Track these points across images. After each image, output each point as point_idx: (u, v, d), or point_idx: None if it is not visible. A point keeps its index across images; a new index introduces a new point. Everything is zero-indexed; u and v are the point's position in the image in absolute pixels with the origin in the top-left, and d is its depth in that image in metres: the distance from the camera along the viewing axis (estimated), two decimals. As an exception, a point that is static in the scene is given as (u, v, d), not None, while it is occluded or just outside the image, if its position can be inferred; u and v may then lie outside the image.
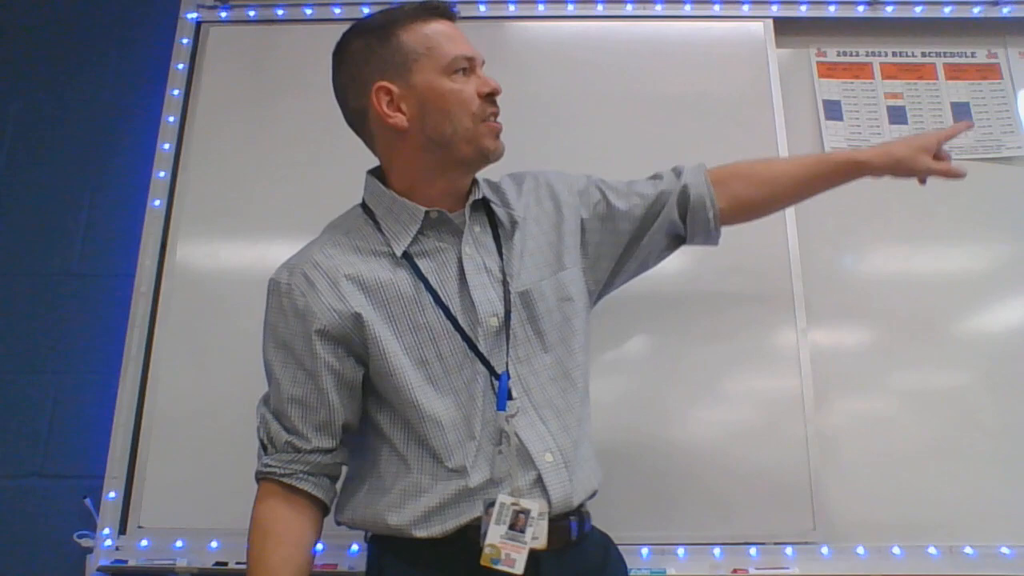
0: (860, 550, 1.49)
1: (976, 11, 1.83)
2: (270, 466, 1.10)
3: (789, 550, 1.47)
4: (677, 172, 1.26)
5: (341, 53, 1.15)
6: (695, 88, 1.76)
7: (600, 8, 1.82)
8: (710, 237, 1.26)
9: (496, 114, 1.13)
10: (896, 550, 1.49)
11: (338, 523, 1.14)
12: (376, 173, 1.19)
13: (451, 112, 1.09)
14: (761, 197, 1.27)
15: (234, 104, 1.75)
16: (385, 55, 1.10)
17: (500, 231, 1.17)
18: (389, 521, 1.06)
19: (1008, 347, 1.63)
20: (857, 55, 1.84)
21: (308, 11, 1.82)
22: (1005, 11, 1.83)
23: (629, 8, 1.82)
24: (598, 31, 1.81)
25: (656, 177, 1.27)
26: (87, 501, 1.53)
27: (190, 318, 1.61)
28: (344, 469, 1.16)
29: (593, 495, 1.15)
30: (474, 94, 1.10)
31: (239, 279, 1.64)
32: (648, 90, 1.76)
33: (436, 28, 1.11)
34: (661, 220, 1.23)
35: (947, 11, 1.83)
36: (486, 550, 1.01)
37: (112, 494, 1.52)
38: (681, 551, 1.47)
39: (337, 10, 1.82)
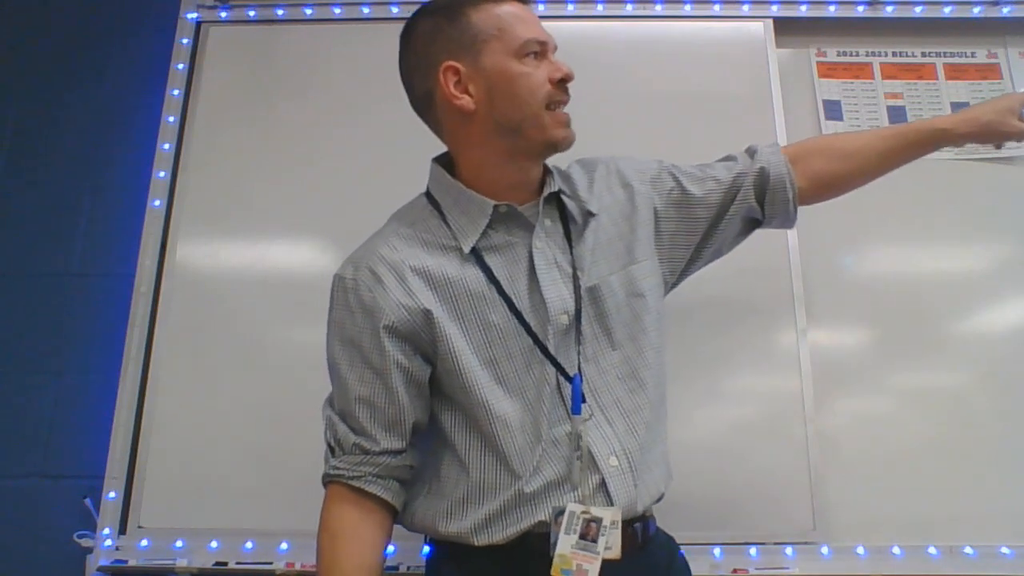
0: (860, 550, 1.49)
1: (976, 11, 1.83)
2: (338, 468, 1.05)
3: (789, 550, 1.47)
4: (751, 152, 1.21)
5: (408, 34, 1.11)
6: (695, 88, 1.76)
7: (600, 8, 1.82)
8: (788, 219, 1.21)
9: (565, 102, 1.09)
10: (896, 550, 1.49)
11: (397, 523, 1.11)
12: (442, 161, 1.15)
13: (520, 97, 1.05)
14: (844, 172, 1.22)
15: (234, 104, 1.75)
16: (454, 35, 1.06)
17: (572, 225, 1.12)
18: (449, 528, 1.03)
19: (1008, 347, 1.63)
20: (857, 55, 1.84)
21: (308, 11, 1.82)
22: (1005, 11, 1.82)
23: (629, 8, 1.82)
24: (598, 31, 1.81)
25: (729, 159, 1.22)
26: (87, 501, 1.53)
27: (190, 318, 1.61)
28: (412, 472, 1.11)
29: (659, 499, 1.11)
30: (545, 79, 1.06)
31: (239, 279, 1.64)
32: (648, 90, 1.76)
33: (508, 9, 1.07)
34: (738, 204, 1.18)
35: (947, 11, 1.83)
36: (556, 560, 0.97)
37: (112, 494, 1.52)
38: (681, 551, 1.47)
39: (337, 10, 1.82)
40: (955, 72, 1.83)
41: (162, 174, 1.71)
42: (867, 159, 1.21)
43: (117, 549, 1.50)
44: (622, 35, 1.81)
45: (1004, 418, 1.58)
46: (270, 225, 1.67)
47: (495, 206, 1.07)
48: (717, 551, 1.47)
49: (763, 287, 1.63)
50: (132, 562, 1.48)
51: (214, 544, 1.48)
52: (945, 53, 1.84)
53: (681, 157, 1.76)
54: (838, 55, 1.84)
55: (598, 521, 0.99)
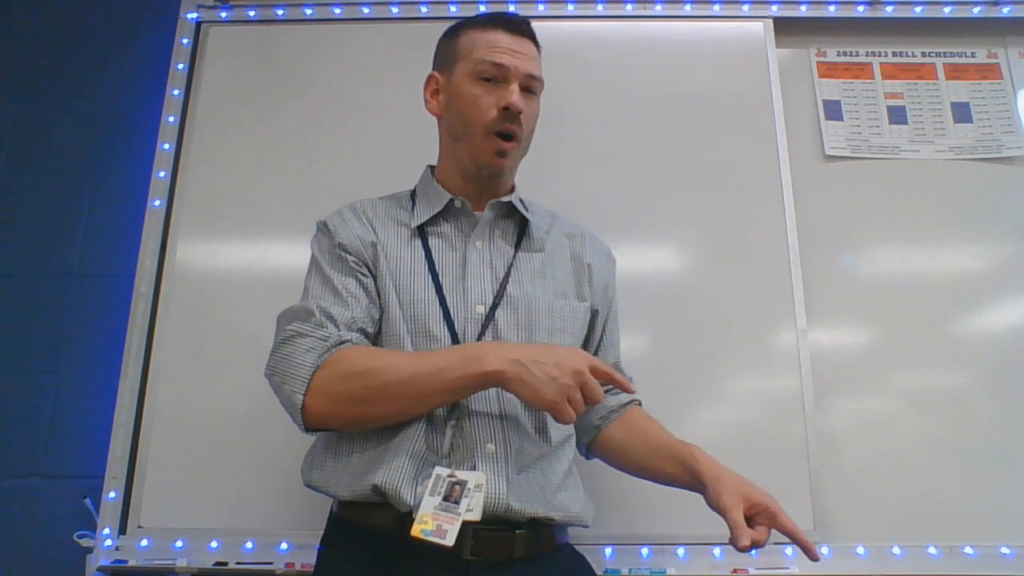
0: (860, 550, 1.49)
1: (976, 11, 1.83)
2: (343, 337, 1.08)
3: (789, 550, 1.47)
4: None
5: None
6: (695, 88, 1.76)
7: (600, 8, 1.82)
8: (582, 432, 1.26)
9: (509, 131, 1.15)
10: (896, 550, 1.49)
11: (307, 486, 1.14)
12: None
13: (464, 115, 1.17)
14: (622, 464, 1.25)
15: (234, 104, 1.75)
16: (445, 50, 1.23)
17: (525, 241, 1.22)
18: (338, 489, 1.08)
19: (1008, 347, 1.63)
20: (857, 55, 1.84)
21: (308, 11, 1.82)
22: (1005, 11, 1.83)
23: (629, 8, 1.82)
24: (598, 31, 1.81)
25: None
26: (87, 501, 1.53)
27: (190, 318, 1.61)
28: None
29: (564, 520, 1.11)
30: (493, 106, 1.15)
31: (239, 279, 1.64)
32: (648, 90, 1.76)
33: (489, 36, 1.18)
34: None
35: (947, 11, 1.83)
36: (417, 521, 0.99)
37: (112, 494, 1.52)
38: (681, 551, 1.47)
39: (337, 10, 1.82)
40: (955, 72, 1.83)
41: (162, 174, 1.71)
42: (639, 468, 1.23)
43: (117, 549, 1.50)
44: (622, 35, 1.81)
45: (1004, 418, 1.58)
46: (270, 225, 1.67)
47: (451, 199, 1.20)
48: (717, 551, 1.47)
49: (763, 287, 1.63)
50: (132, 562, 1.48)
51: (214, 544, 1.48)
52: (945, 53, 1.84)
53: (681, 157, 1.77)
54: (838, 55, 1.84)
55: (463, 484, 1.02)
